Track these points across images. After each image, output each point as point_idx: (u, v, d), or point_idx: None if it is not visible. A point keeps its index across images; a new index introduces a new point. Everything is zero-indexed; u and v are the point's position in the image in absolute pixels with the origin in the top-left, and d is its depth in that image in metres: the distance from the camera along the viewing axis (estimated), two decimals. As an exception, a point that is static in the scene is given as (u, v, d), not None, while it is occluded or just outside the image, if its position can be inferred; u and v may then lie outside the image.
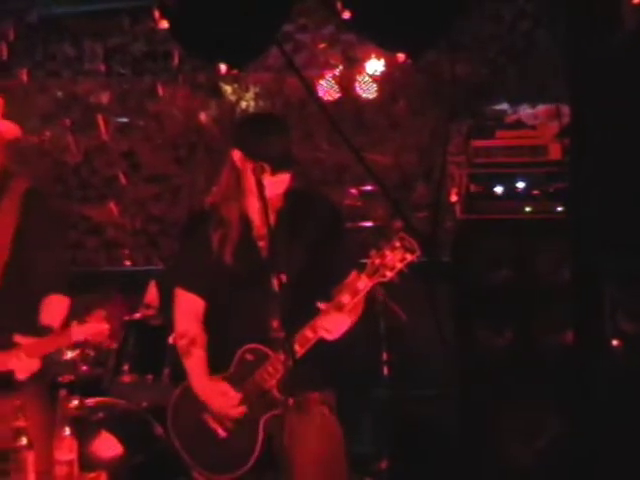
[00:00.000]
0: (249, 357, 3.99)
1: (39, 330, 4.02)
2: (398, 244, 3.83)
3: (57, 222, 4.36)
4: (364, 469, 5.82)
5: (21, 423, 3.69)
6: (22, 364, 3.97)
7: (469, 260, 5.59)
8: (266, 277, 3.85)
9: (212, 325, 4.14)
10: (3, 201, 4.14)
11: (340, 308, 3.87)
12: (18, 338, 3.97)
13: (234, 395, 4.00)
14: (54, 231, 4.26)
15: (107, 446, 4.99)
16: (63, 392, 3.89)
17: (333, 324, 3.89)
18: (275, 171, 3.86)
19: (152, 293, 5.74)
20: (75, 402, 4.82)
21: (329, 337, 3.90)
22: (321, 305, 3.88)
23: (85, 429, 4.66)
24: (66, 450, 3.71)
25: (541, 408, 5.45)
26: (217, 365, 4.05)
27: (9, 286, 4.10)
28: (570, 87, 4.51)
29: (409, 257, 3.83)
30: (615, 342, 4.88)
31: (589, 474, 4.53)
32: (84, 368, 5.34)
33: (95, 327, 3.91)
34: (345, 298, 3.87)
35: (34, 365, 4.00)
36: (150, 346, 5.51)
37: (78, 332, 3.92)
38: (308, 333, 3.88)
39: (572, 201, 4.66)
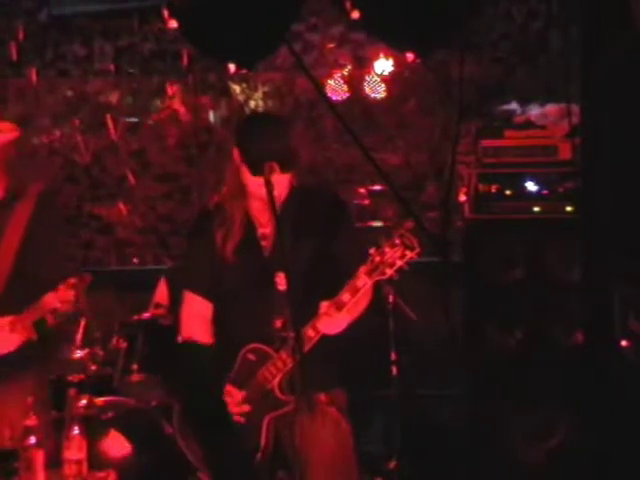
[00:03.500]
0: (251, 357, 4.00)
1: None
2: (398, 241, 3.83)
3: (64, 228, 4.41)
4: (374, 469, 5.82)
5: (30, 422, 3.71)
6: (5, 338, 4.06)
7: (479, 260, 5.58)
8: (269, 276, 3.85)
9: (216, 325, 4.15)
10: (18, 204, 4.19)
11: (340, 307, 3.88)
12: None
13: (237, 394, 4.00)
14: (60, 237, 4.30)
15: (116, 445, 5.00)
16: (72, 391, 3.91)
17: (332, 323, 3.90)
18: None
19: (162, 292, 5.74)
20: (84, 401, 4.83)
21: (329, 332, 3.91)
22: (321, 307, 3.89)
23: (94, 428, 4.66)
24: (75, 449, 3.72)
25: (552, 408, 5.44)
26: (222, 365, 4.06)
27: (13, 286, 4.13)
28: (582, 87, 4.50)
29: (409, 254, 3.83)
30: (624, 342, 4.86)
31: (600, 474, 4.52)
32: (93, 367, 5.35)
33: (63, 294, 3.98)
34: (345, 296, 3.87)
35: (16, 340, 4.09)
36: (160, 345, 5.52)
37: (48, 301, 4.01)
38: (310, 332, 3.89)
39: (583, 201, 4.64)
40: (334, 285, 3.92)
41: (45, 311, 4.05)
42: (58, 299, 3.99)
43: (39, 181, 4.30)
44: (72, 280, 3.98)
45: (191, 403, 4.16)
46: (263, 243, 4.09)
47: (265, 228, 4.08)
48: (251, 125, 4.16)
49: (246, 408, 4.00)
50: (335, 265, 4.02)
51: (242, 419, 4.01)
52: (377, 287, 4.08)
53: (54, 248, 4.23)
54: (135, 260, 7.67)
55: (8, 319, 4.08)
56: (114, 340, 5.55)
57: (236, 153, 4.02)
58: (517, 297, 5.52)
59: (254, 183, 3.92)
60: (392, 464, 5.88)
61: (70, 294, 3.97)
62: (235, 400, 4.00)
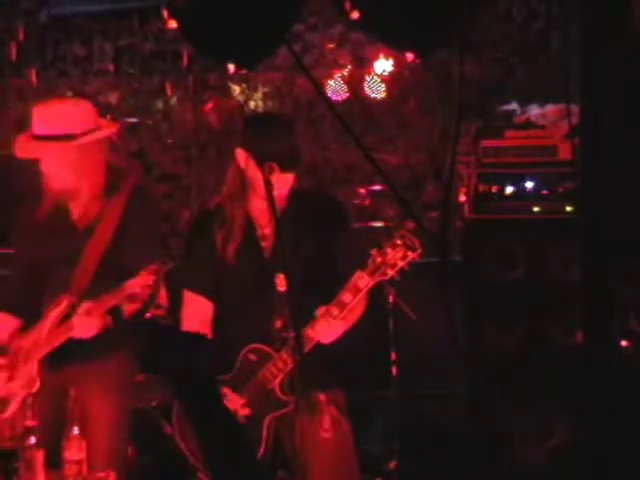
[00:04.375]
0: (252, 357, 4.00)
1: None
2: (399, 242, 3.84)
3: (155, 222, 4.43)
4: (374, 469, 5.81)
5: (30, 422, 3.71)
6: (87, 324, 4.06)
7: (479, 260, 5.58)
8: (269, 277, 3.86)
9: (217, 325, 4.15)
10: (114, 196, 4.23)
11: (341, 308, 3.88)
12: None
13: (236, 399, 4.01)
14: (151, 226, 4.32)
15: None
16: (73, 391, 3.90)
17: (326, 329, 3.90)
18: (281, 170, 3.86)
19: (161, 293, 5.73)
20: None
21: (323, 341, 3.91)
22: (318, 312, 3.90)
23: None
24: (75, 449, 3.72)
25: (551, 408, 5.44)
26: (222, 366, 4.06)
27: (100, 274, 4.17)
28: (582, 87, 4.50)
29: (410, 255, 3.84)
30: (624, 342, 4.86)
31: (600, 474, 4.52)
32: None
33: (144, 279, 3.98)
34: (346, 297, 3.88)
35: (96, 325, 4.07)
36: (159, 346, 5.51)
37: (130, 285, 4.00)
38: (310, 332, 3.89)
39: (583, 201, 4.64)
40: (333, 286, 3.92)
41: (124, 297, 4.04)
42: (139, 285, 3.99)
43: (132, 175, 4.33)
44: (153, 266, 3.99)
45: (192, 403, 4.16)
46: (263, 244, 4.09)
47: (265, 229, 4.08)
48: (260, 124, 4.17)
49: (246, 412, 4.01)
50: (334, 267, 4.03)
51: (243, 419, 4.02)
52: (377, 287, 4.08)
53: (142, 240, 4.23)
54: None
55: (86, 305, 4.07)
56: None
57: (242, 153, 4.01)
58: (517, 297, 5.52)
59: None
60: (392, 464, 5.88)
61: (150, 279, 3.98)
62: (234, 406, 4.01)
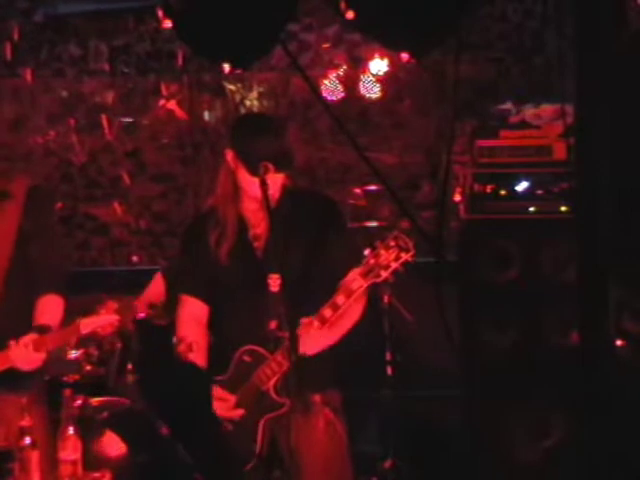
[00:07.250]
0: (247, 359, 4.00)
1: (38, 329, 4.02)
2: (392, 243, 3.83)
3: (56, 223, 4.35)
4: (371, 469, 5.82)
5: (25, 422, 3.70)
6: (28, 357, 3.97)
7: (474, 260, 5.58)
8: (262, 278, 3.85)
9: (211, 327, 4.15)
10: (7, 204, 4.11)
11: (335, 309, 3.87)
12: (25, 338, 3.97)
13: (230, 398, 4.00)
14: (56, 230, 4.26)
15: (111, 445, 4.98)
16: (67, 391, 3.90)
17: (311, 340, 3.88)
18: (273, 171, 3.87)
19: (158, 289, 5.70)
20: (79, 401, 4.82)
21: (308, 352, 3.89)
22: (303, 320, 3.88)
23: (89, 428, 4.66)
24: (70, 449, 3.71)
25: (547, 408, 5.44)
26: (216, 367, 4.06)
27: (11, 285, 4.10)
28: (577, 87, 4.50)
29: (404, 256, 3.83)
30: (619, 342, 4.87)
31: (596, 474, 4.52)
32: (88, 368, 5.34)
33: (105, 319, 3.92)
34: (340, 299, 3.87)
35: (39, 359, 4.01)
36: (155, 345, 5.51)
37: (87, 324, 3.93)
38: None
39: (578, 201, 4.65)
40: (328, 286, 3.92)
41: (80, 335, 3.97)
42: (97, 323, 3.94)
43: (25, 177, 4.22)
44: (113, 304, 3.92)
45: (184, 408, 4.17)
46: (255, 244, 4.09)
47: (257, 229, 4.08)
48: (247, 125, 4.17)
49: (239, 412, 4.00)
50: (329, 267, 4.02)
51: (230, 426, 4.01)
52: (372, 287, 4.07)
53: (49, 243, 4.16)
54: (135, 258, 7.67)
55: (33, 337, 3.97)
56: (109, 340, 5.54)
57: (230, 154, 4.02)
58: (512, 297, 5.52)
59: (251, 183, 3.93)
60: (388, 464, 5.88)
61: (114, 318, 3.93)
62: (227, 404, 4.00)
